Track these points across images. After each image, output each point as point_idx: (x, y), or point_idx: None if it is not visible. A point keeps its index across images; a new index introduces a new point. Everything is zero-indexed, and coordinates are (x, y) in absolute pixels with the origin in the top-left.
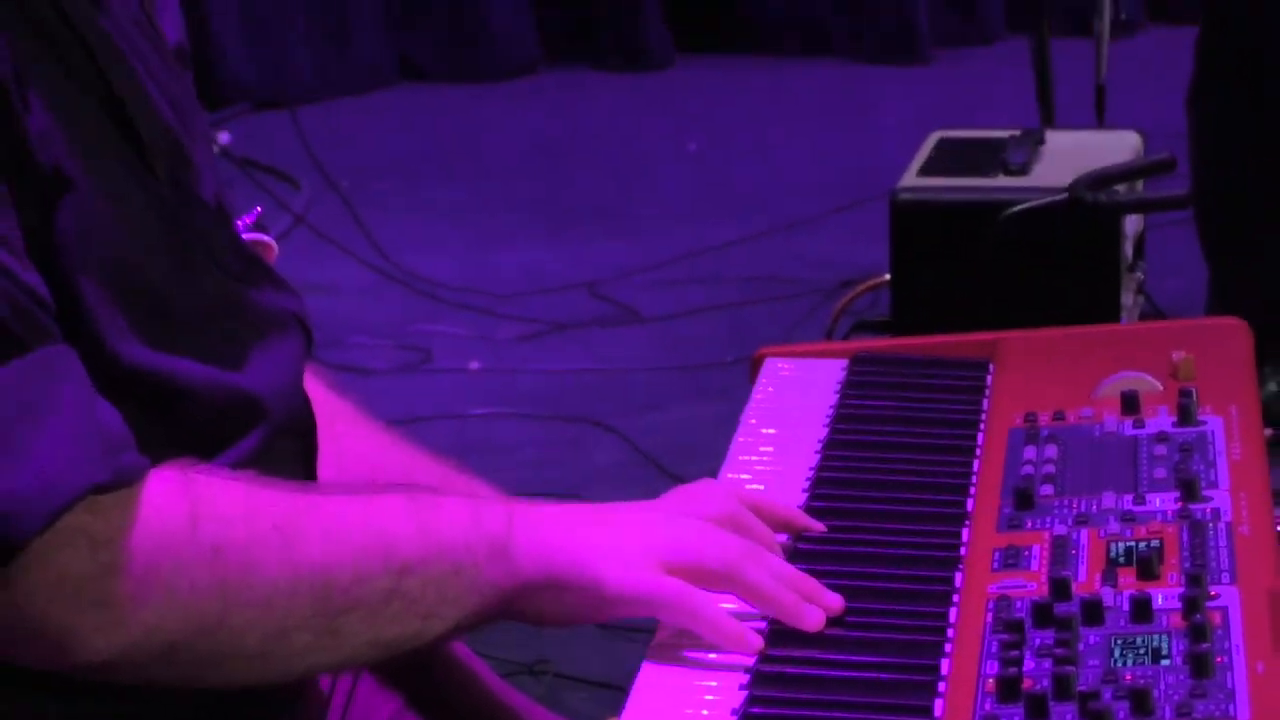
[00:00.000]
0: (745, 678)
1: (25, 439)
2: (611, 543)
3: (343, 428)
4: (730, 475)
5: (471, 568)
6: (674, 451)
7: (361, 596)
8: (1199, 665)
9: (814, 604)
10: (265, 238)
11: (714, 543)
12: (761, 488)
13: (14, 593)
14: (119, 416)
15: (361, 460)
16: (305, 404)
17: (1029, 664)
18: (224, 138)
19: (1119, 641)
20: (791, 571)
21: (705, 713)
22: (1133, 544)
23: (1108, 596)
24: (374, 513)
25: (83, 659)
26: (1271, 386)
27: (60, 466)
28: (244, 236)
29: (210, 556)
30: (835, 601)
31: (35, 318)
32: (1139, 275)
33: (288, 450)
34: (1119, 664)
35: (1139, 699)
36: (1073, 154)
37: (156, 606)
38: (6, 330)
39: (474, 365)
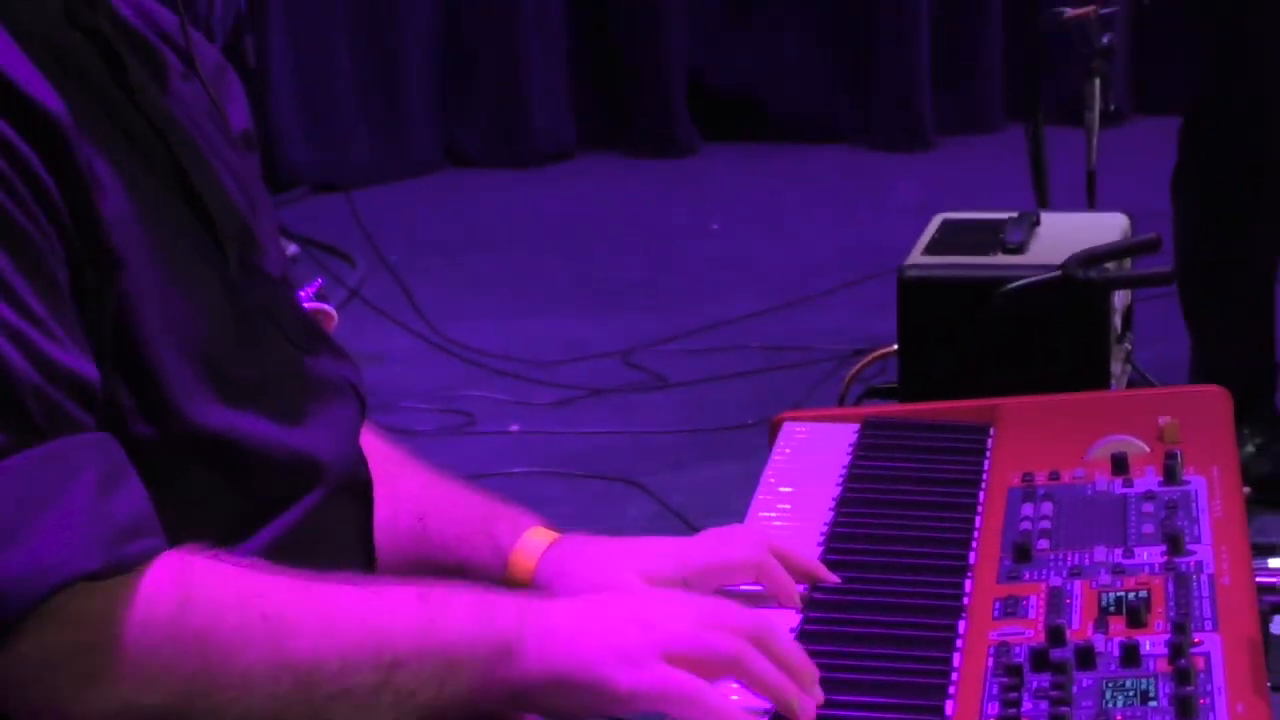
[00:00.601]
0: None
1: (24, 529)
2: (619, 640)
3: (396, 471)
4: (758, 519)
5: (476, 663)
6: (700, 507)
7: (349, 687)
8: (1184, 707)
9: (811, 691)
10: (326, 306)
11: (718, 632)
12: (782, 535)
13: (3, 664)
14: (140, 502)
15: (414, 500)
16: (361, 465)
17: (1027, 705)
18: (292, 249)
19: (1110, 685)
20: (794, 653)
21: None
22: (1122, 594)
23: (1099, 643)
24: (374, 606)
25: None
26: (1249, 448)
27: (52, 556)
28: (306, 306)
29: (195, 641)
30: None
31: (61, 407)
32: (1127, 346)
33: (345, 509)
34: (1110, 705)
35: None
36: (1066, 234)
37: (141, 683)
38: (29, 420)
39: (514, 428)
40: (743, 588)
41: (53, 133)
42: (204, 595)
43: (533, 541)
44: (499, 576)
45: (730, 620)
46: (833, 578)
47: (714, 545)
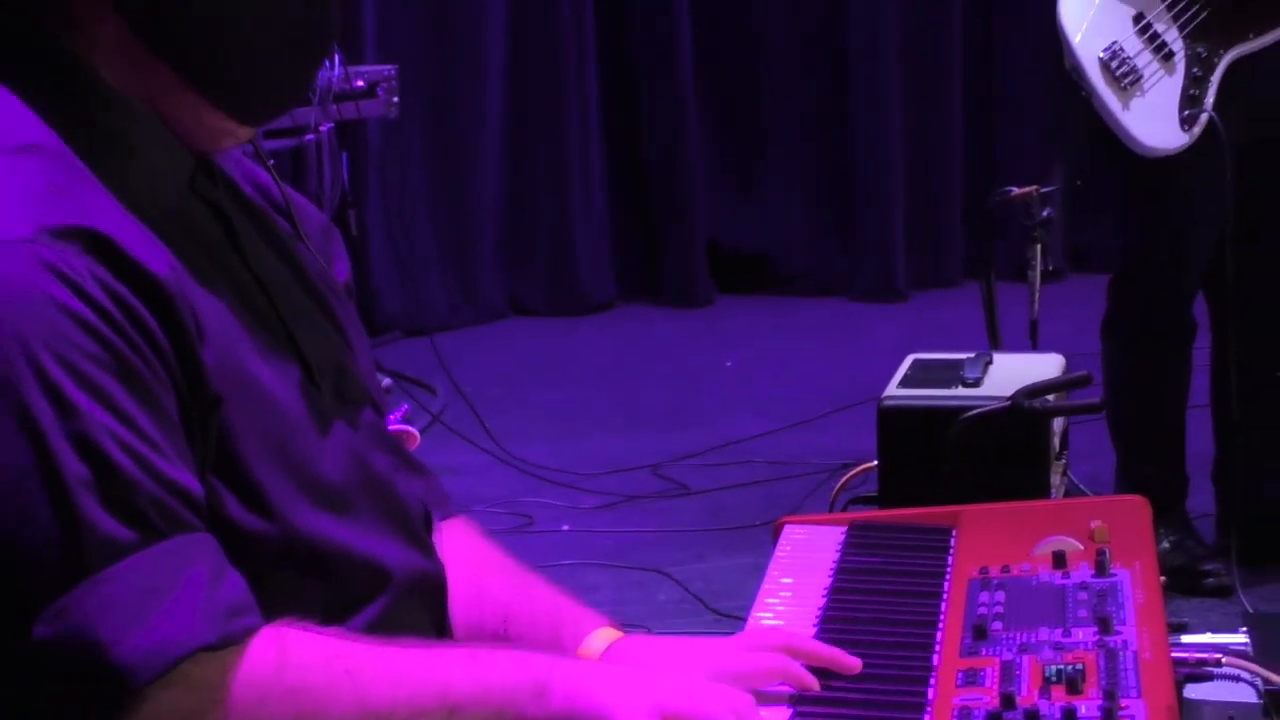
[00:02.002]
0: None
1: (152, 612)
2: (626, 691)
3: (487, 577)
4: (758, 614)
5: (515, 705)
6: (717, 593)
7: None
8: None
9: None
10: (410, 428)
11: (709, 702)
12: (782, 623)
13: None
14: (242, 589)
15: (498, 605)
16: (431, 570)
17: None
18: (386, 381)
19: None
20: None
21: None
22: (1062, 667)
23: (1044, 707)
24: (435, 662)
25: None
26: (1165, 545)
27: (176, 633)
28: (392, 428)
29: (291, 696)
30: None
31: (176, 512)
32: (1064, 462)
33: (416, 610)
34: None
35: None
36: (1014, 371)
37: None
38: (150, 524)
39: (565, 528)
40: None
41: (158, 291)
42: (296, 659)
43: (596, 642)
44: None
45: (724, 697)
46: (855, 663)
47: (745, 655)
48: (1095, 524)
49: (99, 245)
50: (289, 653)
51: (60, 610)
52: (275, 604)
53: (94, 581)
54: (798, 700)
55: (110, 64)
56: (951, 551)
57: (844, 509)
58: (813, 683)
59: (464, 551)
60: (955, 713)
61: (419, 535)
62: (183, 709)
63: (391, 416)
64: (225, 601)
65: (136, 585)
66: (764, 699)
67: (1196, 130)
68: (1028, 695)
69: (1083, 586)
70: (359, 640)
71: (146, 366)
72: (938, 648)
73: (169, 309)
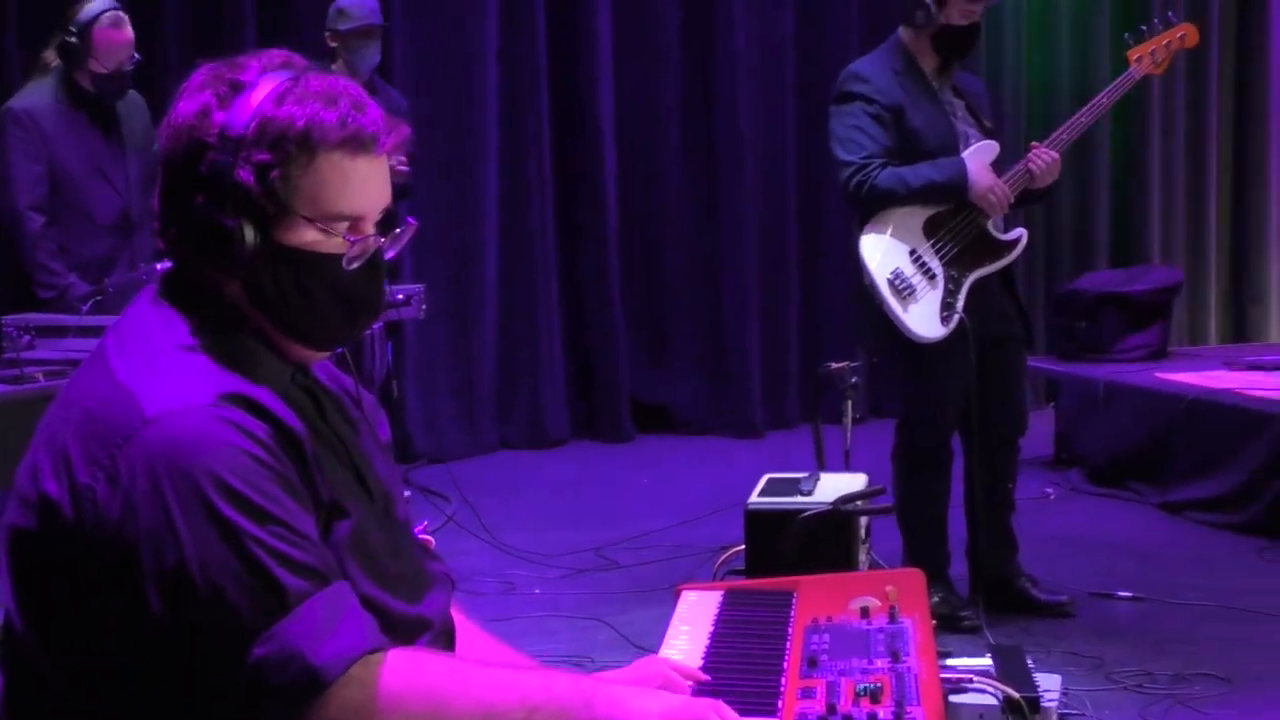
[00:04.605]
0: None
1: (332, 631)
2: (648, 704)
3: (469, 640)
4: (664, 650)
5: (574, 710)
6: (638, 636)
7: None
8: None
9: None
10: (429, 538)
11: (702, 709)
12: (681, 656)
13: (328, 707)
14: (374, 619)
15: (478, 654)
16: (450, 623)
17: None
18: (408, 493)
19: None
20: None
21: None
22: (868, 685)
23: (855, 713)
24: (517, 674)
25: None
26: (935, 599)
27: (349, 643)
28: (418, 535)
29: (425, 692)
30: None
31: (330, 568)
32: (869, 545)
33: (442, 645)
34: None
35: None
36: (834, 486)
37: (394, 712)
38: (318, 576)
39: (537, 591)
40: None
41: (296, 440)
42: (427, 666)
43: None
44: None
45: (710, 706)
46: (705, 678)
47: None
48: (889, 588)
49: (256, 408)
50: (419, 662)
51: (270, 637)
52: None
53: (291, 616)
54: None
55: (238, 307)
56: (794, 608)
57: (722, 579)
58: (684, 685)
59: (459, 624)
60: (796, 717)
61: (444, 601)
62: (354, 702)
63: (417, 528)
64: (372, 623)
65: (318, 616)
66: None
67: (951, 326)
68: (844, 705)
69: (881, 630)
70: (464, 659)
71: (296, 481)
72: (784, 673)
73: (302, 452)
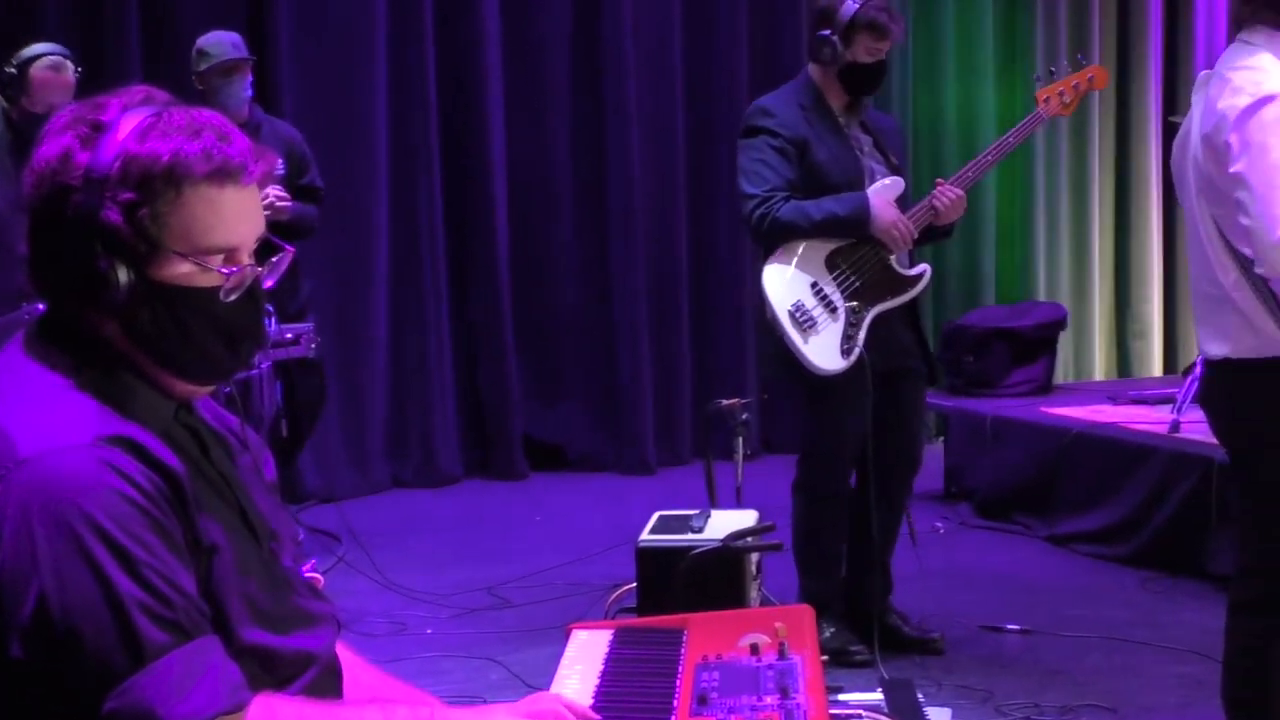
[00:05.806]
0: None
1: (187, 690)
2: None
3: (357, 677)
4: (558, 687)
5: None
6: (530, 674)
7: None
8: None
9: None
10: (318, 575)
11: (549, 706)
12: (572, 695)
13: None
14: (239, 672)
15: (367, 689)
16: (336, 660)
17: None
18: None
19: None
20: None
21: None
22: None
23: None
24: (365, 713)
25: None
26: (826, 635)
27: (203, 704)
28: (305, 574)
29: None
30: None
31: (197, 623)
32: (760, 582)
33: (328, 681)
34: None
35: None
36: (725, 522)
37: None
38: (181, 630)
39: (429, 630)
40: None
41: (175, 480)
42: (280, 716)
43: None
44: None
45: (555, 701)
46: (597, 718)
47: (539, 701)
48: (778, 625)
49: (136, 449)
50: (275, 712)
51: (124, 690)
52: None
53: (146, 671)
54: None
55: (115, 345)
56: (684, 645)
57: (614, 617)
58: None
59: (345, 660)
60: None
61: (329, 638)
62: None
63: (304, 567)
64: (231, 681)
65: (175, 672)
66: None
67: (851, 360)
68: None
69: (770, 667)
70: (317, 702)
71: (173, 529)
72: (675, 710)
73: (182, 493)
